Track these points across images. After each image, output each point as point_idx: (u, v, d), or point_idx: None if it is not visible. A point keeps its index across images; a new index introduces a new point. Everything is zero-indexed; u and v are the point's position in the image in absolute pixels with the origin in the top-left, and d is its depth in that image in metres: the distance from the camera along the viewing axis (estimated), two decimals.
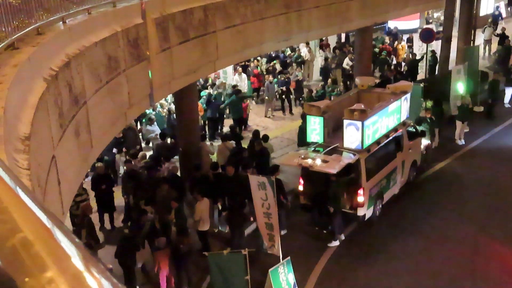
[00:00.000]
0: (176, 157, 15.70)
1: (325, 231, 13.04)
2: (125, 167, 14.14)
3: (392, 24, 29.53)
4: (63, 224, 1.04)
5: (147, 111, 17.22)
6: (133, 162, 13.98)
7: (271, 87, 20.94)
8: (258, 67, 22.74)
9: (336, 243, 12.66)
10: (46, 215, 0.99)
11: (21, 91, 5.18)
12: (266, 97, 21.08)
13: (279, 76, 22.05)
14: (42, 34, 6.84)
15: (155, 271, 11.19)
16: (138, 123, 18.47)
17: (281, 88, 21.27)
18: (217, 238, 13.02)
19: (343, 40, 28.02)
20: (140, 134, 17.55)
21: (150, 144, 16.91)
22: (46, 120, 5.65)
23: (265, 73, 22.87)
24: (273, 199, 11.04)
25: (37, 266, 0.82)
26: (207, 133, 18.80)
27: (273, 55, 24.83)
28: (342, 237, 12.80)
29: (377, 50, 24.85)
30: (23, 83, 5.27)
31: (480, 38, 27.19)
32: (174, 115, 16.84)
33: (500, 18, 32.64)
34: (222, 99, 19.61)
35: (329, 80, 21.21)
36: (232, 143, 15.48)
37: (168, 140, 16.30)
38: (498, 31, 27.91)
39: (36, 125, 5.00)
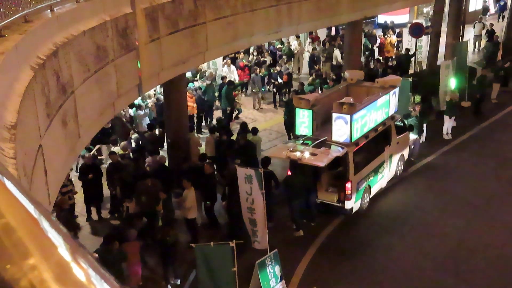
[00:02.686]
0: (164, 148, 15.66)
1: (312, 224, 13.10)
2: (110, 158, 14.04)
3: (382, 19, 29.57)
4: (49, 213, 1.02)
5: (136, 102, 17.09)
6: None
7: (257, 79, 20.91)
8: (244, 60, 22.64)
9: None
10: (34, 205, 0.97)
11: (8, 79, 5.12)
12: (254, 90, 21.06)
13: (272, 69, 21.98)
14: (30, 22, 6.76)
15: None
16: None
17: (274, 81, 21.24)
18: (208, 228, 13.01)
19: (333, 33, 27.99)
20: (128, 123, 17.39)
21: (144, 126, 16.60)
22: (33, 109, 5.59)
23: (254, 66, 22.76)
24: (259, 192, 11.01)
25: (19, 252, 0.80)
26: (195, 125, 18.71)
27: (267, 48, 24.75)
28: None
29: (370, 45, 24.94)
30: (9, 71, 5.21)
31: (469, 33, 27.33)
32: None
33: (505, 9, 32.92)
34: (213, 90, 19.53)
35: (312, 76, 21.03)
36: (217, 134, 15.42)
37: (157, 131, 16.19)
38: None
39: (22, 114, 4.95)
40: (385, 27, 27.31)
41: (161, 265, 11.34)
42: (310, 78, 20.80)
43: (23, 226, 0.87)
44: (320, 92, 18.48)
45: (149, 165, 13.77)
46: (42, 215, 0.95)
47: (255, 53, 24.05)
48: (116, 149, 14.26)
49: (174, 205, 13.30)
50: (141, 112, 16.78)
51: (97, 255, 9.85)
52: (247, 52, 23.57)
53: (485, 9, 33.74)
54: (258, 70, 21.44)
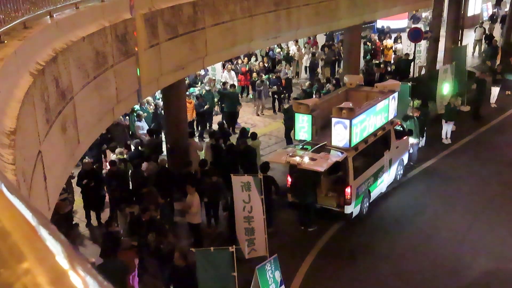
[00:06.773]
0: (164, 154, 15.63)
1: (310, 229, 13.08)
2: (108, 165, 14.00)
3: (380, 23, 29.64)
4: (45, 217, 1.02)
5: (135, 107, 17.09)
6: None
7: (264, 85, 20.98)
8: (247, 65, 22.66)
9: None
10: (30, 210, 0.97)
11: (7, 85, 5.12)
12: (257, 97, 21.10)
13: (270, 75, 22.02)
14: (29, 28, 6.77)
15: None
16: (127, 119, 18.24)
17: (272, 87, 21.28)
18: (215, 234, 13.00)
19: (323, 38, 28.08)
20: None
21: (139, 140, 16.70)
22: (32, 115, 5.59)
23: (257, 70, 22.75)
24: (258, 198, 10.94)
25: (13, 256, 0.80)
26: (196, 131, 18.68)
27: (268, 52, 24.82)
28: None
29: (368, 47, 25.04)
30: (9, 77, 5.21)
31: (468, 38, 27.39)
32: (161, 109, 16.68)
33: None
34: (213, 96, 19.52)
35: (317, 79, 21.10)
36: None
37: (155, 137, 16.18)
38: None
39: (22, 120, 4.95)
40: (381, 32, 27.43)
41: (159, 272, 11.28)
42: (308, 83, 20.80)
43: (18, 230, 0.87)
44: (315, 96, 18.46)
45: (147, 171, 13.71)
46: (39, 220, 0.95)
47: (254, 59, 24.09)
48: (113, 156, 14.24)
49: (176, 212, 13.25)
50: (139, 124, 16.74)
51: (94, 260, 9.81)
52: (246, 57, 23.60)
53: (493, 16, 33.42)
54: (263, 76, 21.46)
